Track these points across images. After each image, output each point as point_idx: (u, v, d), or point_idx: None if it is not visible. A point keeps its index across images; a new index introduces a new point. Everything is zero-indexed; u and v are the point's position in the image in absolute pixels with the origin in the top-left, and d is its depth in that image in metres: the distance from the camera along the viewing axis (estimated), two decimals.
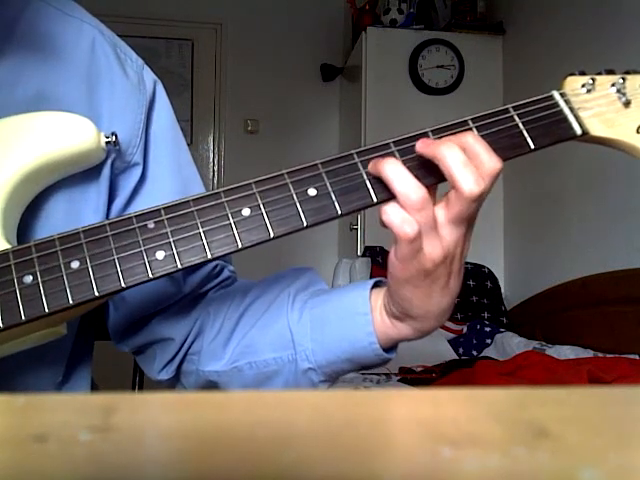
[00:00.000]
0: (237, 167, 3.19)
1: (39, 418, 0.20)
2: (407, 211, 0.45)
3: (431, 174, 0.47)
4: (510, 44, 2.83)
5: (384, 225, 0.45)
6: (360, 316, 0.54)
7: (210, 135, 3.29)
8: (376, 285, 0.56)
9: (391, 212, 0.45)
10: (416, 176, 0.46)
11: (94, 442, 0.18)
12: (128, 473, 0.16)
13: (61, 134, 0.51)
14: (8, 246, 0.47)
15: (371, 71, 2.79)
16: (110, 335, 0.65)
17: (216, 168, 3.28)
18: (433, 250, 0.46)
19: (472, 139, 0.46)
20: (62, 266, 0.44)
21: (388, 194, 0.46)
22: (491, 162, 0.45)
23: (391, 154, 0.47)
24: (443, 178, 0.46)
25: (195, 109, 3.25)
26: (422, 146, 0.46)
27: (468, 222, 0.47)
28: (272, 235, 0.45)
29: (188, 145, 0.67)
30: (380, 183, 0.47)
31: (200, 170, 0.68)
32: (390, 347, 0.55)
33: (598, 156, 2.02)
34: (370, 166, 0.47)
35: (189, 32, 3.26)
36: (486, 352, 2.25)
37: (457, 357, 2.23)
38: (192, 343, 0.63)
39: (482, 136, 0.47)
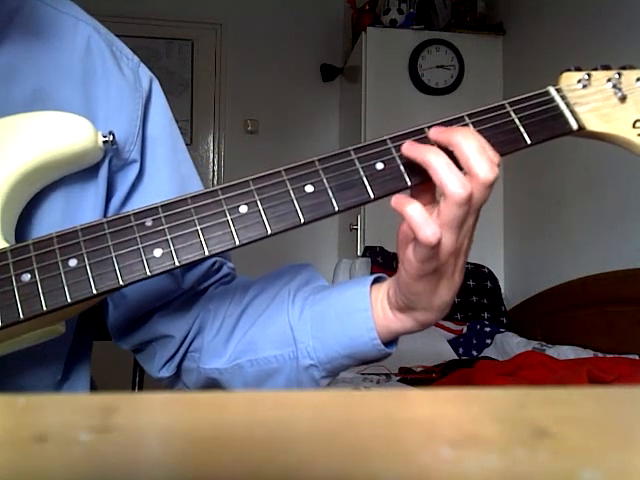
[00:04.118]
0: (237, 167, 3.19)
1: (39, 418, 0.20)
2: (448, 205, 0.44)
3: None
4: (510, 44, 2.83)
5: (405, 224, 0.45)
6: (360, 312, 0.54)
7: (210, 135, 3.29)
8: (376, 280, 0.56)
9: (416, 218, 0.44)
10: (416, 171, 0.46)
11: (94, 442, 0.18)
12: (128, 473, 0.16)
13: (59, 134, 0.51)
14: (6, 245, 0.47)
15: (371, 71, 2.79)
16: (109, 332, 0.65)
17: (216, 168, 3.28)
18: (449, 242, 0.46)
19: (469, 134, 0.46)
20: (60, 264, 0.44)
21: (385, 190, 0.47)
22: (492, 157, 0.45)
23: (389, 150, 0.47)
24: None
25: (195, 109, 3.25)
26: (436, 133, 0.46)
27: (477, 212, 0.47)
28: (269, 232, 0.45)
29: (188, 145, 0.68)
30: (377, 179, 0.47)
31: (200, 170, 0.68)
32: (390, 341, 0.55)
33: (598, 156, 2.02)
34: (405, 148, 0.46)
35: (189, 32, 3.26)
36: (486, 352, 2.25)
37: (457, 357, 2.23)
38: (192, 340, 0.63)
39: (478, 131, 0.48)
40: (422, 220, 0.43)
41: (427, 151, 0.45)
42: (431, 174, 0.45)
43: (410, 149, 0.46)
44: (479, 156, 0.44)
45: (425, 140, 0.48)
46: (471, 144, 0.45)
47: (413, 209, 0.44)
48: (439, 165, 0.44)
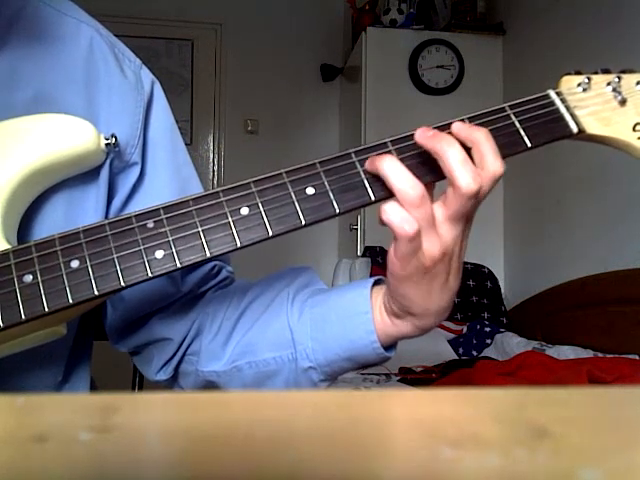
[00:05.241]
0: (237, 167, 3.19)
1: (39, 418, 0.20)
2: (405, 208, 0.45)
3: (429, 172, 0.47)
4: (510, 44, 2.83)
5: (383, 224, 0.45)
6: (361, 315, 0.54)
7: (210, 135, 3.29)
8: (376, 283, 0.56)
9: (390, 211, 0.45)
10: (414, 174, 0.46)
11: (94, 442, 0.18)
12: (128, 473, 0.16)
13: (62, 136, 0.51)
14: (8, 246, 0.47)
15: (371, 71, 2.79)
16: (107, 335, 0.65)
17: (216, 168, 3.28)
18: (431, 247, 0.46)
19: (484, 138, 0.46)
20: (62, 265, 0.44)
21: (386, 192, 0.47)
22: (494, 165, 0.45)
23: (389, 153, 0.47)
24: (440, 177, 0.47)
25: (195, 109, 3.25)
26: (422, 137, 0.46)
27: (466, 220, 0.47)
28: (270, 233, 0.46)
29: (188, 145, 0.68)
30: (378, 181, 0.47)
31: (200, 170, 0.68)
32: (389, 345, 0.55)
33: (598, 156, 2.02)
34: (367, 164, 0.47)
35: (189, 32, 3.26)
36: (486, 352, 2.25)
37: (457, 357, 2.23)
38: (190, 343, 0.63)
39: None
40: (397, 214, 0.44)
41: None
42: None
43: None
44: (461, 166, 0.44)
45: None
46: (454, 154, 0.45)
47: (388, 206, 0.45)
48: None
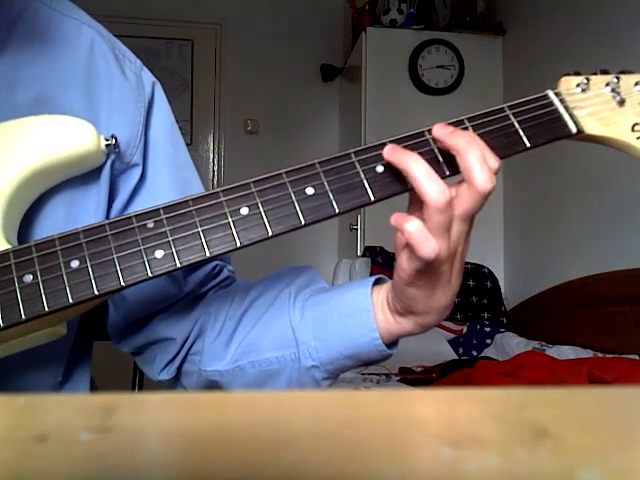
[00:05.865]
0: (237, 167, 3.19)
1: (39, 418, 0.20)
2: (429, 212, 0.44)
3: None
4: (510, 44, 2.83)
5: (405, 242, 0.45)
6: (363, 313, 0.54)
7: (210, 135, 3.29)
8: (376, 282, 0.56)
9: (416, 232, 0.44)
10: None
11: (94, 442, 0.18)
12: (128, 473, 0.16)
13: (62, 137, 0.51)
14: (8, 246, 0.47)
15: (371, 71, 2.79)
16: (109, 335, 0.65)
17: (216, 168, 3.28)
18: (441, 248, 0.46)
19: (471, 138, 0.46)
20: (62, 265, 0.44)
21: (385, 193, 0.47)
22: (489, 160, 0.46)
23: None
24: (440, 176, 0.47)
25: (195, 109, 3.25)
26: (440, 133, 0.46)
27: (472, 219, 0.47)
28: (270, 233, 0.46)
29: (188, 145, 0.68)
30: (377, 182, 0.47)
31: (200, 170, 0.68)
32: (391, 342, 0.55)
33: (598, 156, 2.02)
34: (388, 153, 0.46)
35: (189, 32, 3.26)
36: (486, 352, 2.25)
37: (457, 357, 2.23)
38: (193, 343, 0.63)
39: (478, 135, 0.48)
40: (421, 236, 0.44)
41: (407, 157, 0.45)
42: (411, 181, 0.45)
43: (391, 154, 0.46)
44: (480, 165, 0.45)
45: (424, 144, 0.48)
46: (475, 153, 0.45)
47: (411, 225, 0.44)
48: (419, 172, 0.44)
